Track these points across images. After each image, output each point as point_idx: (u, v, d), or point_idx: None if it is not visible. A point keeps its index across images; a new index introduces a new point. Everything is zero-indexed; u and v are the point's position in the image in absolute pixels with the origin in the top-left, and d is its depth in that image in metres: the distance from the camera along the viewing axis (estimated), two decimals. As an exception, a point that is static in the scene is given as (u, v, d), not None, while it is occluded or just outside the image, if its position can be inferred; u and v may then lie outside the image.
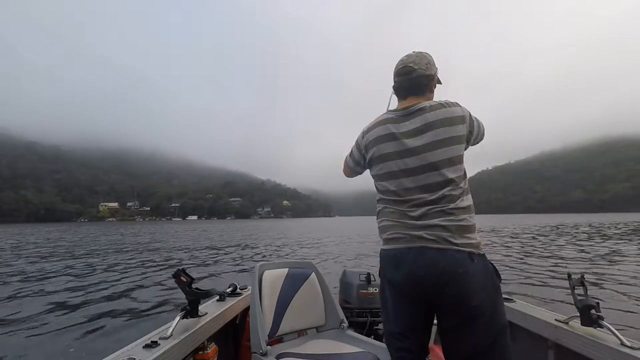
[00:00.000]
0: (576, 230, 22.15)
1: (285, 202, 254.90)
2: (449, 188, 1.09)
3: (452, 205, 1.08)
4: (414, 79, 1.21)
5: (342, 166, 1.46)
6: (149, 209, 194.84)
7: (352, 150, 1.37)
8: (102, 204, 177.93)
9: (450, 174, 1.10)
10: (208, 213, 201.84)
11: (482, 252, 1.08)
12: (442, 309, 1.09)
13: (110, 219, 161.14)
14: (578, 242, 14.01)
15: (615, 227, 25.26)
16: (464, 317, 1.04)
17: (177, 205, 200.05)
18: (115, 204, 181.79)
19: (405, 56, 1.25)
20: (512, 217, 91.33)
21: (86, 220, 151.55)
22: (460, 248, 1.04)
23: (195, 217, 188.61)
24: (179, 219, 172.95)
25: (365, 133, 1.27)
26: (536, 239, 16.40)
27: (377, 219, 1.23)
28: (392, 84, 1.28)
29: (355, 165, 1.37)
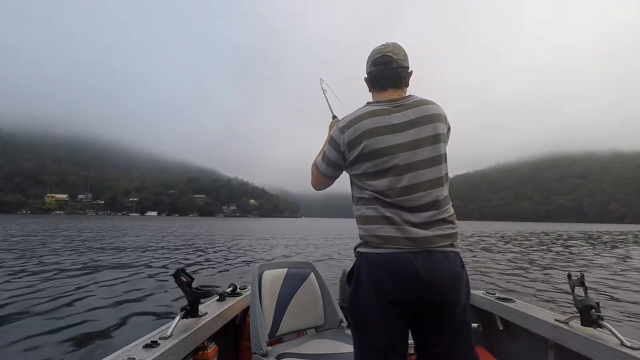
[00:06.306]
0: (548, 237, 23.14)
1: (252, 201, 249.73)
2: (441, 187, 1.05)
3: (446, 206, 1.05)
4: (395, 69, 1.12)
5: (311, 177, 1.28)
6: (103, 202, 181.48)
7: (324, 154, 1.18)
8: (48, 195, 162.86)
9: (440, 171, 1.06)
10: (169, 209, 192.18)
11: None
12: (431, 314, 1.02)
13: (58, 212, 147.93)
14: (565, 246, 14.68)
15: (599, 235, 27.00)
16: (451, 320, 1.02)
17: (136, 199, 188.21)
18: (65, 196, 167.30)
19: (382, 45, 1.15)
20: (471, 224, 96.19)
21: (29, 212, 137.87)
22: (457, 250, 1.04)
23: (154, 213, 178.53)
24: (137, 215, 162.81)
25: (346, 128, 1.09)
26: (520, 242, 17.04)
27: (359, 223, 1.07)
28: (366, 74, 1.17)
29: (332, 169, 1.18)
